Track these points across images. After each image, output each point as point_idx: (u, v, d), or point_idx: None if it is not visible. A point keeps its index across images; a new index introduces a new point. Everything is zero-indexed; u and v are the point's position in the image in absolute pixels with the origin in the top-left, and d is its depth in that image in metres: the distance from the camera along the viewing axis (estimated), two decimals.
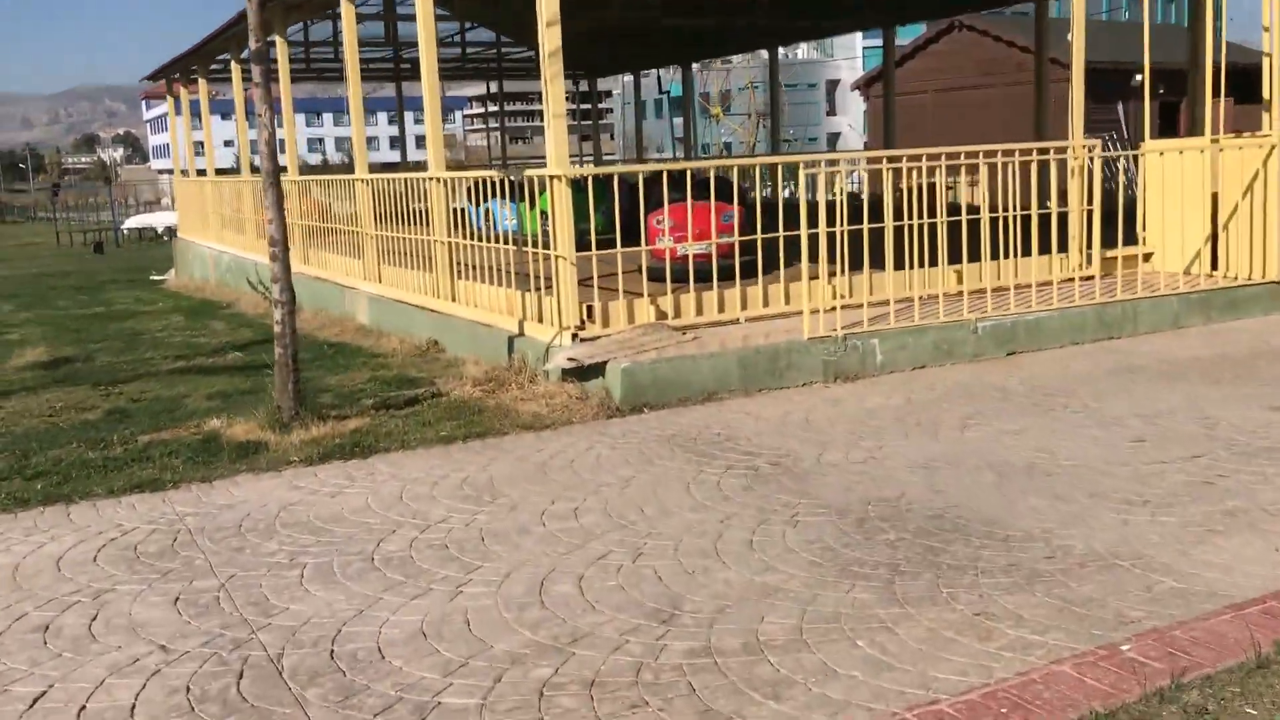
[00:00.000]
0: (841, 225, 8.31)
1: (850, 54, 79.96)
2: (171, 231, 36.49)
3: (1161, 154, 10.83)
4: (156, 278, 24.39)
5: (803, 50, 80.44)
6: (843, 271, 8.56)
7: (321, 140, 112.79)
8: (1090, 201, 9.85)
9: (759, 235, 8.76)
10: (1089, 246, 9.91)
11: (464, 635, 3.91)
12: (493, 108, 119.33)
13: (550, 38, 8.00)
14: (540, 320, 8.62)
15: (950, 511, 4.97)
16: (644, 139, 54.11)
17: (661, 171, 9.09)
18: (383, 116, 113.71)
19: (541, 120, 8.54)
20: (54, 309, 17.88)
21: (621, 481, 5.70)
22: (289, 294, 7.14)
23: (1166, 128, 25.26)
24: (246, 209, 17.77)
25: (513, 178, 9.04)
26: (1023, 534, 4.65)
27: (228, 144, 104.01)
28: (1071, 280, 9.53)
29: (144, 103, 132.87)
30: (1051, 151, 9.63)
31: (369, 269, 12.35)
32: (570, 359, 7.57)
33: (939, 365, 8.29)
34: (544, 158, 8.61)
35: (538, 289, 8.62)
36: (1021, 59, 24.39)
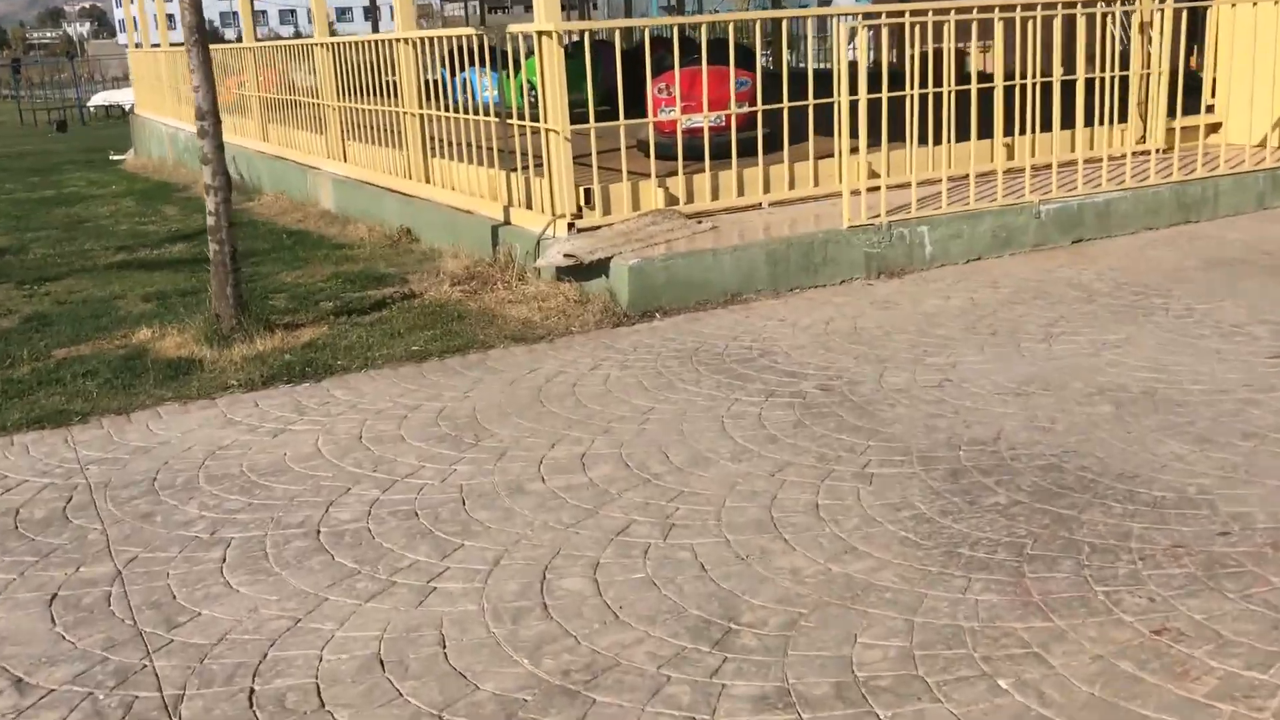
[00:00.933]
0: (884, 92, 7.01)
1: None
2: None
3: (1234, 5, 9.44)
4: (115, 157, 22.83)
5: None
6: (879, 148, 7.30)
7: (294, 12, 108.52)
8: (1152, 64, 8.53)
9: (785, 104, 7.46)
10: (1147, 116, 8.62)
11: (436, 666, 2.79)
12: None
13: None
14: (529, 207, 7.36)
15: (1069, 460, 3.84)
16: (630, 7, 51.47)
17: (669, 29, 7.72)
18: None
19: None
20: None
21: (638, 415, 4.55)
22: (223, 177, 5.85)
23: None
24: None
25: (493, 38, 7.66)
26: (1175, 495, 3.53)
27: (170, 18, 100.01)
28: (1138, 155, 8.28)
29: None
30: (1118, 2, 8.25)
31: (333, 146, 10.97)
32: (567, 255, 6.34)
33: (997, 256, 7.09)
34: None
35: (525, 169, 7.34)
36: None
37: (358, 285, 7.46)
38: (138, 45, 22.94)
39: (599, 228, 6.94)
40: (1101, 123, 8.27)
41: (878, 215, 6.81)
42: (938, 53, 7.42)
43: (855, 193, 6.84)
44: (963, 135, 7.41)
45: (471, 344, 5.73)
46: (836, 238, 6.64)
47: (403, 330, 6.05)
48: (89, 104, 47.27)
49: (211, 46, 16.54)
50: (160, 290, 7.80)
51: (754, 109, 7.77)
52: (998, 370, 4.84)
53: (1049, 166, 7.68)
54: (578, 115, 7.01)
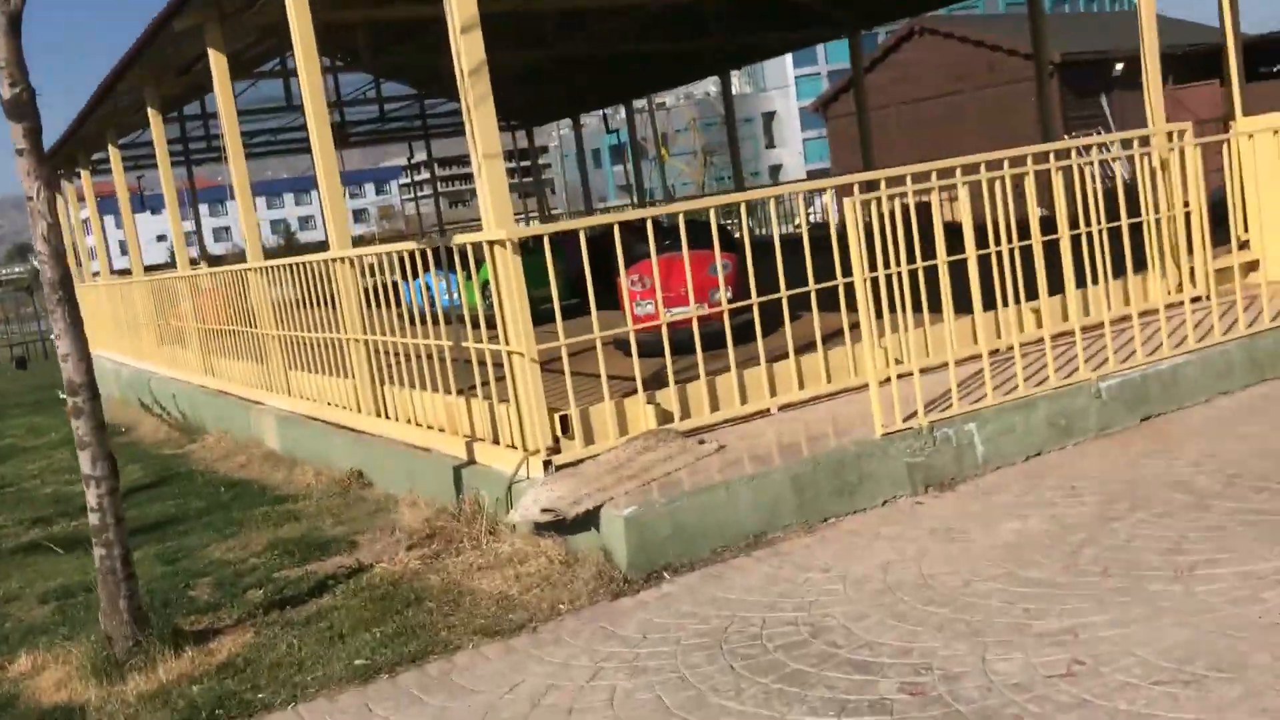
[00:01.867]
0: (899, 265, 5.99)
1: (782, 84, 78.87)
2: None
3: (1251, 136, 8.63)
4: (65, 396, 21.64)
5: (735, 85, 79.27)
6: (894, 326, 6.23)
7: (283, 221, 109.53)
8: (1179, 202, 7.61)
9: (783, 293, 6.44)
10: (1169, 259, 7.65)
11: None
12: (425, 174, 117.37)
13: (469, 49, 5.64)
14: (497, 440, 6.19)
15: None
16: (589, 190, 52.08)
17: (640, 220, 6.75)
18: (290, 196, 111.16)
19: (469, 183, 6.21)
20: None
21: None
22: (107, 464, 4.66)
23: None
24: (142, 312, 15.22)
25: (439, 245, 6.65)
26: None
27: (160, 239, 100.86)
28: (1175, 307, 7.26)
29: (79, 203, 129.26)
30: (1135, 144, 7.38)
31: (275, 378, 9.84)
32: (545, 509, 5.11)
33: (1060, 448, 5.92)
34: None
35: (488, 393, 6.20)
36: (992, 58, 22.50)
37: (297, 557, 6.19)
38: (94, 274, 22.21)
39: (581, 461, 5.76)
40: (1136, 272, 7.29)
41: (914, 415, 5.67)
42: (921, 208, 6.45)
43: (883, 382, 5.71)
44: (988, 303, 6.38)
45: (432, 647, 4.43)
46: (870, 450, 5.47)
47: (346, 631, 4.75)
48: (53, 336, 46.67)
49: (147, 276, 15.65)
50: (65, 585, 6.48)
51: (742, 300, 6.75)
52: (1138, 638, 3.59)
53: (1095, 329, 6.63)
54: (542, 313, 5.96)
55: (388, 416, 7.63)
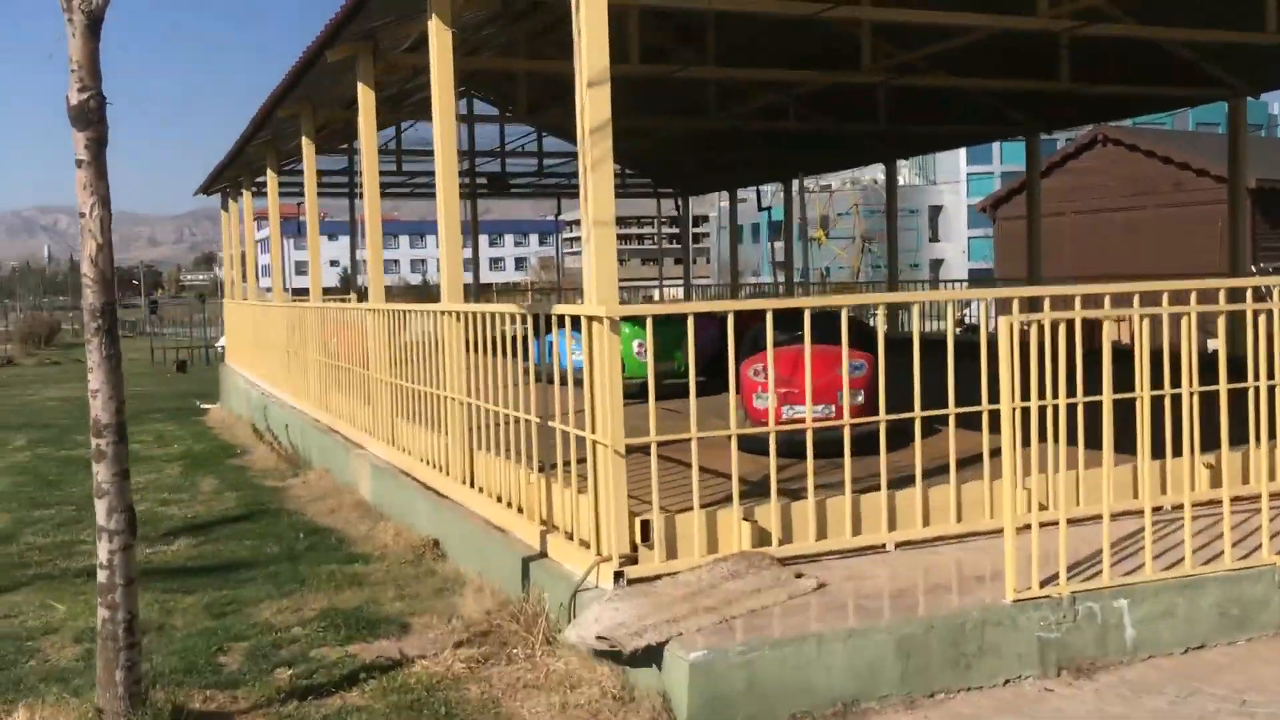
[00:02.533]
0: (1057, 396, 5.15)
1: (954, 178, 77.42)
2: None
3: None
4: (205, 406, 22.11)
5: (904, 175, 78.00)
6: (1042, 464, 5.38)
7: (424, 261, 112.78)
8: None
9: (917, 413, 5.67)
10: None
11: None
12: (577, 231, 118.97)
13: (594, 104, 5.13)
14: (571, 535, 5.56)
15: None
16: (740, 263, 51.70)
17: (763, 311, 6.09)
18: (509, 238, 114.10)
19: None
20: (61, 447, 15.36)
21: None
22: (124, 516, 4.20)
23: None
24: (275, 336, 15.25)
25: (540, 312, 6.11)
26: None
27: (333, 264, 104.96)
28: None
29: (255, 223, 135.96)
30: None
31: (380, 424, 9.47)
32: (601, 637, 4.44)
33: (1229, 643, 4.95)
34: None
35: (572, 480, 5.58)
36: (1178, 176, 21.13)
37: (343, 634, 5.65)
38: (267, 290, 22.82)
39: (658, 578, 5.08)
40: None
41: (1054, 579, 4.80)
42: (1089, 327, 5.58)
43: (1021, 530, 4.86)
44: (1156, 450, 5.48)
45: None
46: (998, 616, 4.62)
47: None
48: (218, 344, 48.47)
49: (285, 301, 15.69)
50: None
51: (873, 407, 6.00)
52: None
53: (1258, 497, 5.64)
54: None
55: (473, 485, 7.10)
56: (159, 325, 61.42)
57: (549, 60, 13.42)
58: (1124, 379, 5.15)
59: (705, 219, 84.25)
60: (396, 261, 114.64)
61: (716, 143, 18.76)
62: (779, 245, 55.04)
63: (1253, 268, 18.55)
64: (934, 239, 78.05)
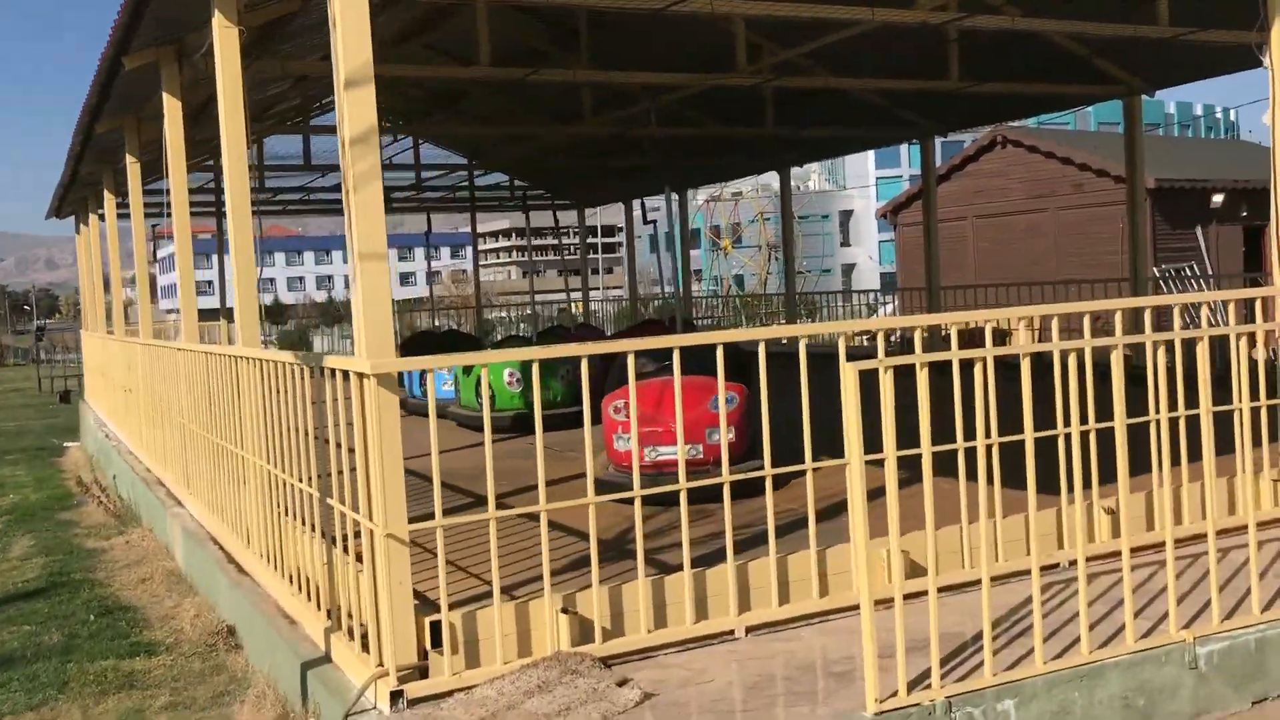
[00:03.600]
0: (924, 443, 4.28)
1: (864, 183, 77.88)
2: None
3: None
4: (67, 445, 20.55)
5: (814, 181, 78.12)
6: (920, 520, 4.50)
7: (330, 277, 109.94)
8: None
9: (802, 467, 4.79)
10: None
11: None
12: (502, 242, 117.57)
13: (355, 110, 4.13)
14: (352, 635, 4.53)
15: None
16: (655, 273, 50.79)
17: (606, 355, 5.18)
18: (390, 253, 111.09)
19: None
20: None
21: None
22: None
23: (1251, 256, 21.45)
24: (117, 371, 13.94)
25: (311, 364, 5.06)
26: None
27: (207, 284, 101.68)
28: None
29: (153, 243, 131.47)
30: (1260, 303, 5.66)
31: (195, 478, 8.34)
32: None
33: None
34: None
35: (359, 555, 4.56)
36: (1079, 177, 20.76)
37: None
38: (169, 312, 21.27)
39: (450, 694, 4.10)
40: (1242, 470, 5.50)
41: (926, 677, 3.92)
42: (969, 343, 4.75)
43: (881, 604, 3.96)
44: (1046, 484, 4.67)
45: None
46: None
47: None
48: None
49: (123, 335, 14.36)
50: None
51: (746, 443, 5.13)
52: None
53: (1191, 541, 4.87)
54: (544, 420, 4.44)
55: (271, 561, 6.03)
56: (51, 352, 58.58)
57: (417, 66, 12.42)
58: (1013, 412, 4.32)
59: (620, 228, 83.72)
60: (302, 279, 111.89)
61: (609, 152, 17.87)
62: (688, 256, 54.48)
63: (1154, 269, 18.19)
64: (845, 244, 78.31)
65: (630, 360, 4.62)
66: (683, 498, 4.72)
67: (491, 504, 4.30)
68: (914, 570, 4.71)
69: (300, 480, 5.17)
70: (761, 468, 4.96)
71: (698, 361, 5.30)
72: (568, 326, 14.28)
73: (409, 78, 16.14)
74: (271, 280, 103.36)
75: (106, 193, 14.02)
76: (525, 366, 11.53)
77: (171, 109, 8.40)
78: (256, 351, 5.87)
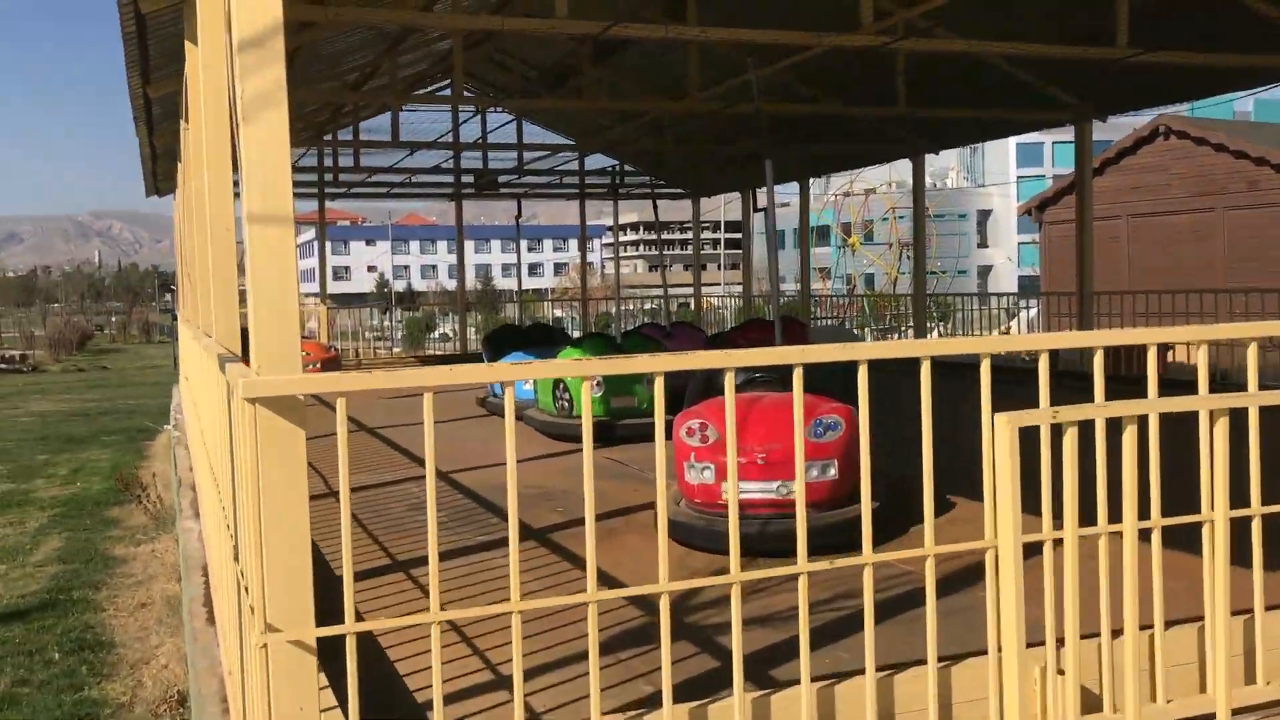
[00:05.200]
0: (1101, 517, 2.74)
1: (1004, 180, 74.44)
2: None
3: None
4: (164, 428, 20.13)
5: (952, 178, 74.96)
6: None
7: (435, 267, 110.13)
8: None
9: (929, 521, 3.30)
10: None
11: None
12: (630, 235, 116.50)
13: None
14: None
15: None
16: (781, 269, 48.97)
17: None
18: (524, 244, 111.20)
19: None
20: None
21: None
22: None
23: None
24: (192, 359, 13.07)
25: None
26: None
27: (370, 269, 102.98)
28: None
29: (294, 229, 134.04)
30: None
31: (203, 487, 7.18)
32: None
33: None
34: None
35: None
36: (1255, 173, 18.38)
37: None
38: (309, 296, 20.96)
39: None
40: None
41: None
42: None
43: None
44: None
45: None
46: None
47: None
48: None
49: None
50: None
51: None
52: None
53: None
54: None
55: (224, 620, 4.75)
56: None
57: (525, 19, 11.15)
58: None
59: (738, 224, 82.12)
60: (435, 266, 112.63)
61: (725, 137, 16.40)
62: (819, 251, 52.12)
63: None
64: (983, 244, 74.99)
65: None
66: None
67: (435, 590, 2.90)
68: (1089, 700, 3.20)
69: (228, 526, 3.88)
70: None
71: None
72: (662, 325, 12.85)
73: (519, 54, 15.03)
74: (405, 267, 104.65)
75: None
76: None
77: (194, 61, 7.25)
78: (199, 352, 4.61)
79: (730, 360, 3.16)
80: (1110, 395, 2.98)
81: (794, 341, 13.02)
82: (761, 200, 11.79)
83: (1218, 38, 9.86)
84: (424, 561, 5.86)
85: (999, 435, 2.44)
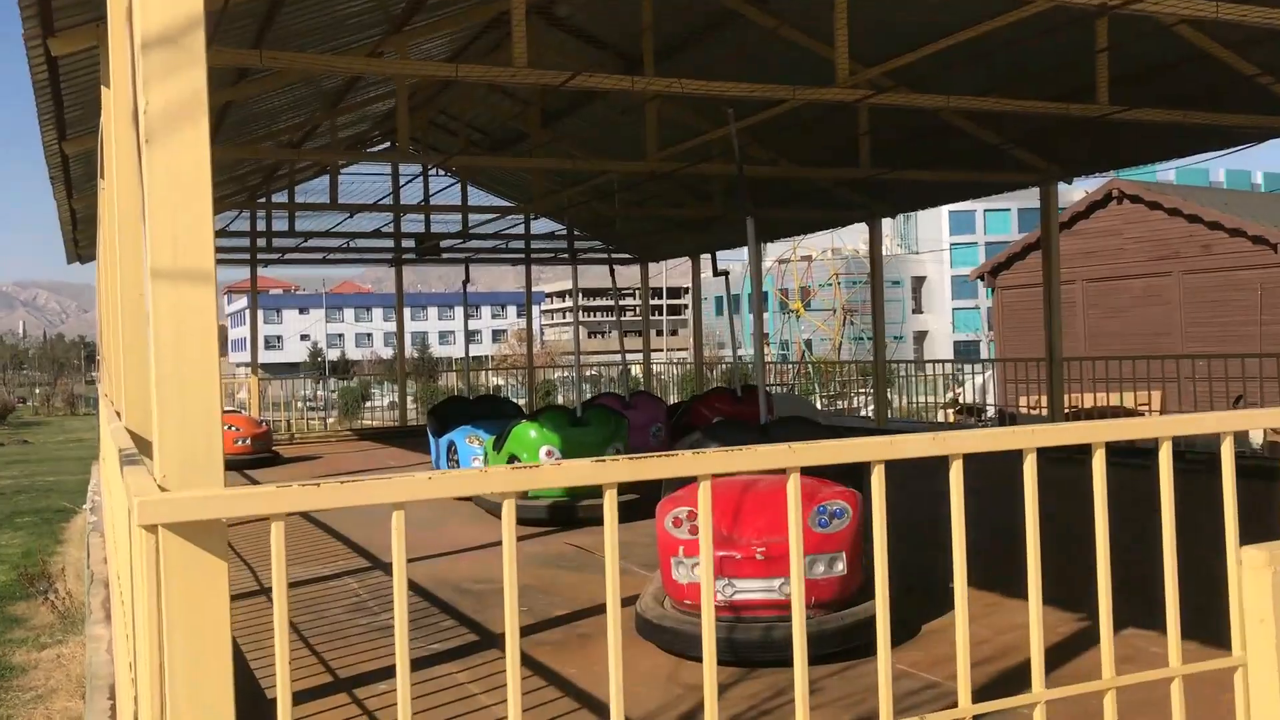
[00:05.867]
0: None
1: (937, 247, 75.51)
2: None
3: None
4: (86, 508, 18.87)
5: (886, 244, 75.90)
6: None
7: (422, 334, 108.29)
8: None
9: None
10: None
11: None
12: (568, 302, 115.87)
13: None
14: None
15: None
16: (720, 335, 48.69)
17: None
18: (459, 310, 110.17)
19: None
20: None
21: None
22: None
23: None
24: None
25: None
26: None
27: (304, 337, 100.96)
28: None
29: (225, 297, 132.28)
30: None
31: (119, 588, 6.28)
32: None
33: None
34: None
35: None
36: (1209, 237, 18.32)
37: None
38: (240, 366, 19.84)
39: None
40: None
41: None
42: None
43: None
44: None
45: None
46: None
47: None
48: None
49: None
50: None
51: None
52: None
53: None
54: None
55: None
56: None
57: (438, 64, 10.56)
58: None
59: (686, 290, 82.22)
60: (370, 335, 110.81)
61: (676, 199, 15.92)
62: (755, 320, 52.18)
63: None
64: (917, 310, 75.68)
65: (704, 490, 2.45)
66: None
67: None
68: None
69: (130, 669, 3.07)
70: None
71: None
72: (620, 395, 12.14)
73: (464, 118, 14.46)
74: (340, 335, 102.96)
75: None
76: (566, 444, 9.43)
77: (109, 105, 6.49)
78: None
79: (794, 459, 2.45)
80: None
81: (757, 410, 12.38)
82: (721, 264, 11.28)
83: (1191, 100, 9.59)
84: (369, 678, 5.06)
85: (1256, 577, 1.78)
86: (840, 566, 5.11)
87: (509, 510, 2.15)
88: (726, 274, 11.62)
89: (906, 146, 12.35)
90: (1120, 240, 19.51)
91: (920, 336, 71.87)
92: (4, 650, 8.16)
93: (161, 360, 2.04)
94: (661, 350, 61.34)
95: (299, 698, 4.74)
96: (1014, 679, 4.71)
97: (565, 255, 20.75)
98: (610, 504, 2.24)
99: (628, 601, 5.82)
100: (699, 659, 4.93)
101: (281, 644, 2.10)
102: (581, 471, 2.24)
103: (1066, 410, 13.28)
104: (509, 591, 2.17)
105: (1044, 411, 14.56)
